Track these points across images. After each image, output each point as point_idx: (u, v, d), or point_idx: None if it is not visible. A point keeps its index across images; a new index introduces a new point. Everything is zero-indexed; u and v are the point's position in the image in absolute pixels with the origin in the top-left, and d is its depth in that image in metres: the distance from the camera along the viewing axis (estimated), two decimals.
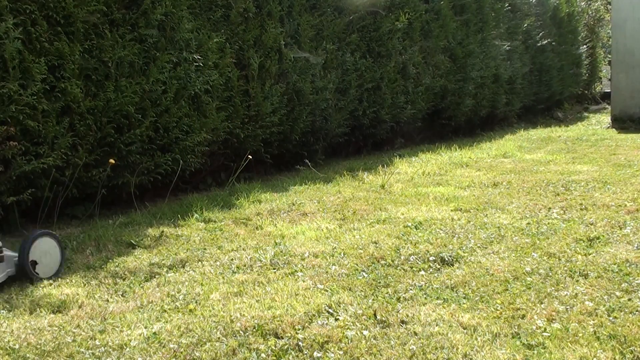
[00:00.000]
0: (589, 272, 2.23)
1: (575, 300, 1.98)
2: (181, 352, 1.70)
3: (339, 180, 4.45)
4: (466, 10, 7.24)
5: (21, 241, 2.35)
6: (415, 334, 1.77)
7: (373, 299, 2.05)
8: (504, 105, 8.36)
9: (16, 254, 2.29)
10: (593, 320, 1.82)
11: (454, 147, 6.24)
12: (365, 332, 1.78)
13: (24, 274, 2.30)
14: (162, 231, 3.04)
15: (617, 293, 2.03)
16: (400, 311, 1.93)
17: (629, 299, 1.97)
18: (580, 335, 1.72)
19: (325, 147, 5.54)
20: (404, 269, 2.35)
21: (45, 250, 2.36)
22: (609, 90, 10.08)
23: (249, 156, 4.31)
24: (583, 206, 3.27)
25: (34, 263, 2.32)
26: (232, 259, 2.55)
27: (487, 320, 1.84)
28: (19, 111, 2.94)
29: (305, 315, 1.90)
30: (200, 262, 2.53)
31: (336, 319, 1.88)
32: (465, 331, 1.78)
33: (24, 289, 2.30)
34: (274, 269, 2.41)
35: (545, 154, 5.63)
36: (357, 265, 2.41)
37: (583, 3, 11.26)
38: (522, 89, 8.79)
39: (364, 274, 2.31)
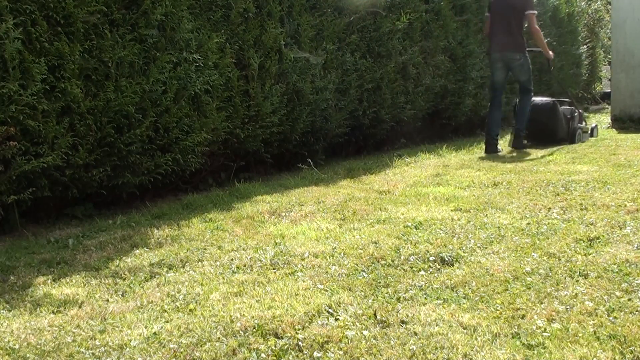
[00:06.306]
0: (589, 272, 2.23)
1: (575, 300, 1.98)
2: (181, 352, 1.70)
3: (339, 180, 4.46)
4: (466, 10, 7.24)
5: (590, 126, 6.44)
6: (415, 334, 1.77)
7: (373, 299, 2.05)
8: (504, 105, 8.34)
9: (589, 134, 6.46)
10: (593, 320, 1.82)
11: (454, 147, 6.24)
12: (365, 332, 1.78)
13: (591, 135, 6.49)
14: (162, 231, 3.04)
15: (617, 293, 2.02)
16: (400, 311, 1.93)
17: (629, 299, 1.97)
18: (580, 335, 1.72)
19: (325, 147, 5.54)
20: (404, 269, 2.35)
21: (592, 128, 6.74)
22: (609, 90, 10.06)
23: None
24: (583, 206, 3.27)
25: (591, 134, 6.43)
26: (232, 259, 2.55)
27: (487, 320, 1.84)
28: (19, 111, 2.94)
29: (305, 315, 1.90)
30: (200, 262, 2.53)
31: (336, 319, 1.88)
32: (465, 331, 1.78)
33: (24, 288, 2.30)
34: (274, 269, 2.41)
35: (545, 153, 5.62)
36: (357, 265, 2.41)
37: (583, 3, 11.25)
38: None
39: (364, 274, 2.31)
